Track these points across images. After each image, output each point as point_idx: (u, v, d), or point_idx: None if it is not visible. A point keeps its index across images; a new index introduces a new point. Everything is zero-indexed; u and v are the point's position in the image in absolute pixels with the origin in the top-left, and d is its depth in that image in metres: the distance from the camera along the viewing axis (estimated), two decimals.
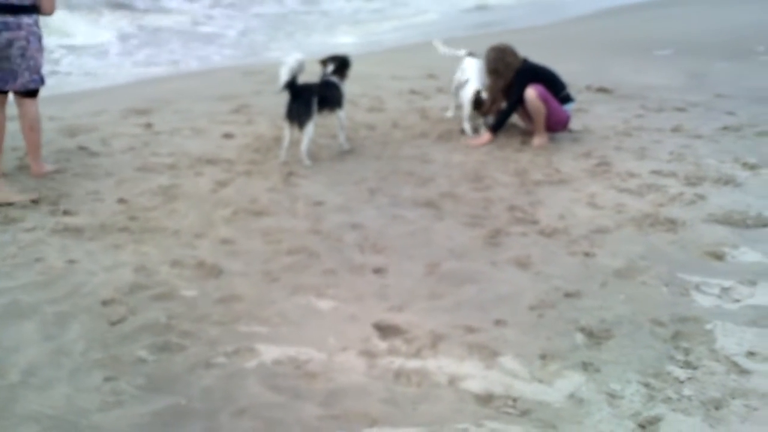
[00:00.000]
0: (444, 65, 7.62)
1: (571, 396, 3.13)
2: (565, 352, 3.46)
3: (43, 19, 5.60)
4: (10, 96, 5.63)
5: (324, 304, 3.94)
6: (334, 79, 6.46)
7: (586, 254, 4.52)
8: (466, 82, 7.14)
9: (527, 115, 6.90)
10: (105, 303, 3.90)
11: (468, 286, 4.13)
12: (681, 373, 3.26)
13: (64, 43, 12.18)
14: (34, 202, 5.29)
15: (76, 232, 4.82)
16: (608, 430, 2.91)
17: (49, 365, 3.36)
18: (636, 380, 3.22)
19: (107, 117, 7.72)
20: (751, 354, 3.40)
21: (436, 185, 5.76)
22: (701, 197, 5.38)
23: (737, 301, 3.92)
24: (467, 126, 7.11)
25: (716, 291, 4.02)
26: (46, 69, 5.88)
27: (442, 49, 7.70)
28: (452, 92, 7.63)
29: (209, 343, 3.54)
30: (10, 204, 5.20)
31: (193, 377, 3.28)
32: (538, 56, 6.97)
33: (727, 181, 5.68)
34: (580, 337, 3.58)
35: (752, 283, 4.09)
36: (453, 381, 3.24)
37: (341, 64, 6.53)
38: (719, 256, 4.45)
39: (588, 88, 8.97)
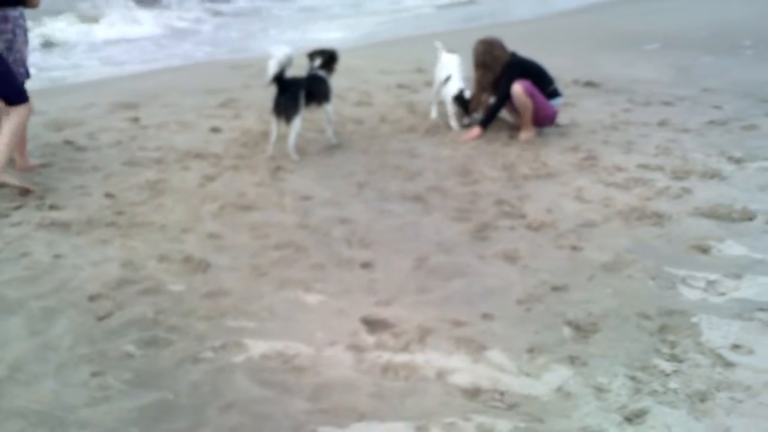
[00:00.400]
0: (432, 59, 7.58)
1: (559, 389, 3.14)
2: (552, 345, 3.47)
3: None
4: None
5: (312, 299, 3.94)
6: (322, 73, 6.44)
7: (574, 248, 4.54)
8: (448, 78, 7.12)
9: (515, 110, 6.90)
10: (92, 298, 3.89)
11: (456, 280, 4.14)
12: (667, 366, 3.28)
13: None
14: (24, 193, 5.26)
15: (63, 226, 4.80)
16: (595, 423, 2.93)
17: (35, 360, 3.34)
18: (623, 373, 3.24)
19: (94, 111, 7.68)
20: (735, 347, 3.42)
21: (424, 179, 5.76)
22: (687, 191, 5.41)
23: (722, 294, 3.95)
24: (453, 122, 7.10)
25: (702, 284, 4.05)
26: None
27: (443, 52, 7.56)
28: (434, 90, 7.50)
29: (197, 338, 3.54)
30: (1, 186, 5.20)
31: (180, 372, 3.27)
32: (526, 50, 6.97)
33: (713, 175, 5.71)
34: (567, 331, 3.60)
35: (737, 276, 4.13)
36: (441, 375, 3.24)
37: (329, 58, 6.50)
38: (705, 250, 4.47)
39: (575, 82, 8.99)
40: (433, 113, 7.47)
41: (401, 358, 3.37)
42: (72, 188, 5.48)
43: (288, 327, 3.65)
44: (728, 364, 3.29)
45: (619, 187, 5.55)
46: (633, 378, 3.21)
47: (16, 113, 5.28)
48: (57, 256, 4.38)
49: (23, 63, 5.55)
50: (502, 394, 3.11)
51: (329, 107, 6.51)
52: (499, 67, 6.71)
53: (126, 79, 9.77)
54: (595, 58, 10.73)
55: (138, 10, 14.88)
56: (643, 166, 5.97)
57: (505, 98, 6.74)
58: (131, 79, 9.74)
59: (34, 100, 5.66)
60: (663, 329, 3.59)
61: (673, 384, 3.16)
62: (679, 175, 5.73)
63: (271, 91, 6.07)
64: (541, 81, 6.73)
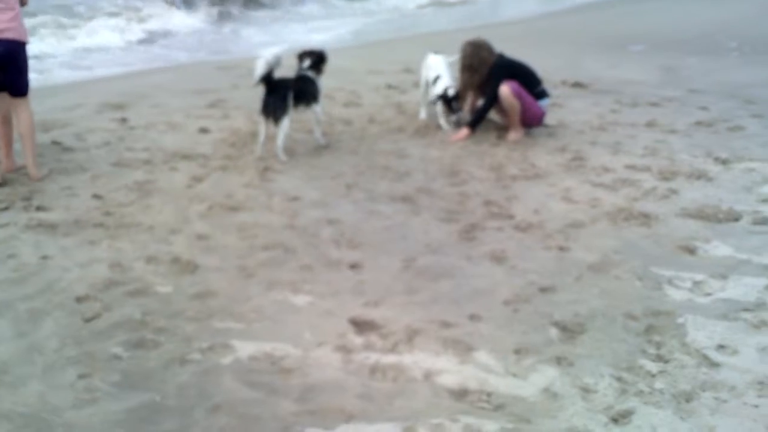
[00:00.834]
0: (420, 60, 7.59)
1: (545, 390, 3.16)
2: (539, 346, 3.49)
3: None
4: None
5: (300, 300, 3.95)
6: (310, 73, 6.44)
7: (561, 248, 4.56)
8: (436, 79, 7.11)
9: (503, 110, 6.92)
10: (79, 299, 3.87)
11: (444, 281, 4.15)
12: (653, 367, 3.31)
13: None
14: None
15: (50, 227, 4.78)
16: (581, 423, 2.95)
17: (21, 362, 3.33)
18: (609, 374, 3.26)
19: (82, 111, 7.64)
20: (721, 347, 3.45)
21: (413, 180, 5.77)
22: (674, 192, 5.44)
23: (708, 294, 3.98)
24: (443, 121, 7.12)
25: (688, 285, 4.08)
26: None
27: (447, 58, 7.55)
28: (422, 92, 7.50)
29: (184, 340, 3.53)
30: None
31: (168, 374, 3.27)
32: (513, 51, 6.99)
33: (700, 176, 5.75)
34: (554, 332, 3.62)
35: (723, 276, 4.16)
36: (428, 376, 3.26)
37: (318, 59, 6.50)
38: (691, 250, 4.51)
39: (563, 83, 9.01)
40: (422, 114, 7.47)
41: (389, 359, 3.38)
42: (59, 189, 5.46)
43: (276, 328, 3.65)
44: (713, 365, 3.32)
45: (607, 187, 5.57)
46: (619, 378, 3.22)
47: (25, 110, 5.54)
48: (44, 258, 4.36)
49: None
50: (489, 394, 3.12)
51: (318, 108, 6.51)
52: (486, 70, 6.72)
53: (113, 80, 9.70)
54: (583, 59, 10.77)
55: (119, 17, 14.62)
56: (631, 167, 6.00)
57: (493, 99, 6.75)
58: (119, 80, 9.67)
59: None
60: (649, 330, 3.61)
61: (658, 384, 3.18)
62: (666, 176, 5.76)
63: (260, 91, 6.07)
64: (529, 82, 6.75)
